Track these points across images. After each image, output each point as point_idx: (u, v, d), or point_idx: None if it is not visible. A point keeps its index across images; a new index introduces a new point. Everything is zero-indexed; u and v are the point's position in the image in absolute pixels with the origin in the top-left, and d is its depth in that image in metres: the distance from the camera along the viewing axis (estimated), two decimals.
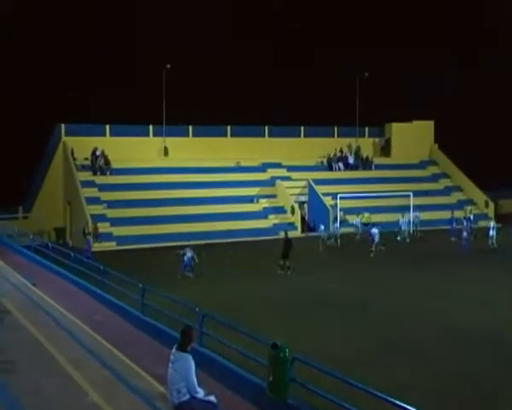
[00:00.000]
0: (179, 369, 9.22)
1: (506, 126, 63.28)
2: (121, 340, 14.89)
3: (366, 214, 40.07)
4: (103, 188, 40.74)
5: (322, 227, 36.36)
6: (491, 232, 34.72)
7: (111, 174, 42.24)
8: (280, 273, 25.23)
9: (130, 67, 58.57)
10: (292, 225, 42.05)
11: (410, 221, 39.14)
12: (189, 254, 25.73)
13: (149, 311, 16.30)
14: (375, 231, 32.09)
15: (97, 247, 35.83)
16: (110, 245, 36.60)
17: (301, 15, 67.01)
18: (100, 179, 41.56)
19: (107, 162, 42.45)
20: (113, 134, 44.68)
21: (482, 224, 40.71)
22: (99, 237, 37.12)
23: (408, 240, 37.11)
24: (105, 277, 20.33)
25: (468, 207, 43.05)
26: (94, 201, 39.46)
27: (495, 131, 61.97)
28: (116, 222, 38.10)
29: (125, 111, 50.01)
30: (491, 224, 35.51)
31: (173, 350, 9.47)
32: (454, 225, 37.57)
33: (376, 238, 31.76)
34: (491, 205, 48.32)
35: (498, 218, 47.10)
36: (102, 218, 38.48)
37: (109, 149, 42.53)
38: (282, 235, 39.93)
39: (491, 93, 62.81)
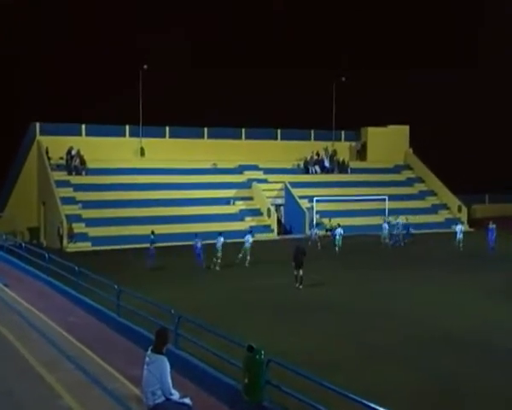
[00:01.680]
0: (154, 371, 9.16)
1: (480, 132, 64.16)
2: (96, 342, 14.76)
3: (331, 221, 40.36)
4: (78, 188, 40.36)
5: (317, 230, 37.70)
6: (458, 235, 35.33)
7: (86, 174, 41.88)
8: (298, 288, 23.25)
9: (106, 67, 58.10)
10: (268, 228, 42.18)
11: (401, 224, 38.90)
12: (198, 244, 28.18)
13: (125, 312, 16.17)
14: (340, 231, 35.37)
15: (72, 247, 35.67)
16: (85, 246, 36.33)
17: (280, 18, 67.20)
18: (75, 179, 41.17)
19: (82, 162, 42.07)
20: (88, 134, 44.32)
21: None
22: (74, 237, 36.85)
23: (402, 244, 37.56)
24: (80, 278, 20.13)
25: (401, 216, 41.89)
26: (69, 201, 39.09)
27: (470, 136, 62.76)
28: (91, 223, 37.78)
29: (102, 111, 49.59)
30: (459, 227, 36.07)
31: (148, 352, 9.41)
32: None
33: (337, 237, 34.92)
34: (465, 210, 48.99)
35: (471, 223, 47.80)
36: (77, 218, 38.15)
37: (85, 149, 42.18)
38: (260, 237, 40.39)
39: (467, 98, 63.66)
